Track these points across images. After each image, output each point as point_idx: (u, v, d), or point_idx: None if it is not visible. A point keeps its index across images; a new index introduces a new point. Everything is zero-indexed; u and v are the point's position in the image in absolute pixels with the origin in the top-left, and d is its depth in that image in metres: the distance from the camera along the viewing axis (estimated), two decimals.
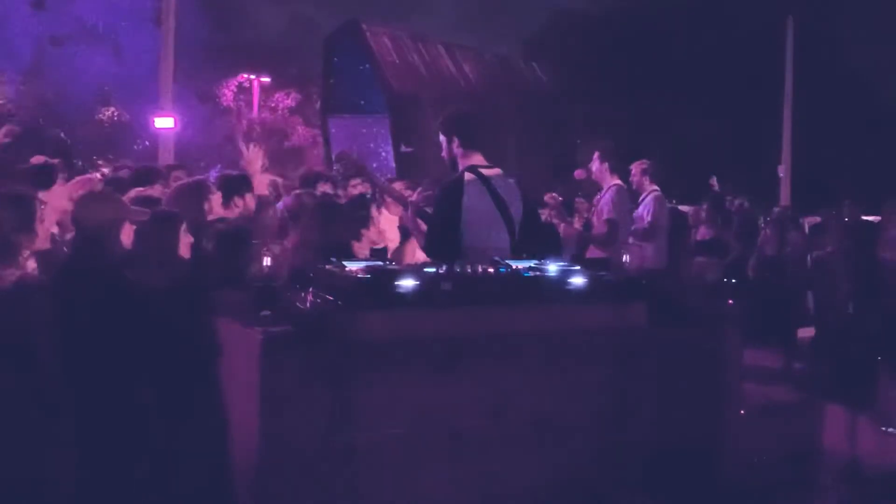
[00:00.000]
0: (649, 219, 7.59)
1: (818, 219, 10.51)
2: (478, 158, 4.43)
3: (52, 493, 3.18)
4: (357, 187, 6.73)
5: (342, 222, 4.74)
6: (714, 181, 11.30)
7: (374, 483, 3.29)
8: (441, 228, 4.35)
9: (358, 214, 5.26)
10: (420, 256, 5.42)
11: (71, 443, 3.24)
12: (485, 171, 4.38)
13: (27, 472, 3.10)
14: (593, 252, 6.98)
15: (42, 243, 3.42)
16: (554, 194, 8.25)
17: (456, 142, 4.45)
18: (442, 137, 4.51)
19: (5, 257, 3.22)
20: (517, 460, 3.57)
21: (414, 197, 5.42)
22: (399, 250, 5.89)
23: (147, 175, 6.20)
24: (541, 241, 4.58)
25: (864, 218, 8.74)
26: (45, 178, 4.69)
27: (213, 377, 3.46)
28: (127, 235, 3.77)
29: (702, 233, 9.52)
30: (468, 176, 4.35)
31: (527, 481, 3.59)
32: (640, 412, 3.78)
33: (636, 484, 3.79)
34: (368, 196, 6.05)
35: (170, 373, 3.47)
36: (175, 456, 3.43)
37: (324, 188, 6.43)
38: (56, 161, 5.33)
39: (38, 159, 6.17)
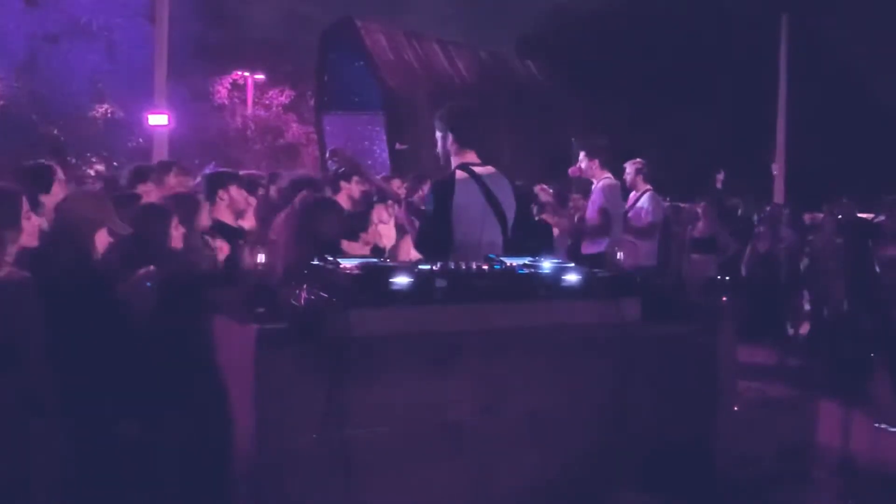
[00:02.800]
0: (649, 218, 7.65)
1: (814, 216, 10.56)
2: (471, 156, 4.45)
3: (38, 491, 3.17)
4: (357, 184, 6.73)
5: (338, 220, 4.74)
6: (720, 177, 11.33)
7: (368, 479, 3.29)
8: (432, 226, 4.39)
9: (356, 214, 5.28)
10: (416, 254, 5.43)
11: (58, 441, 3.22)
12: (477, 169, 4.41)
13: (14, 471, 3.09)
14: (588, 248, 7.02)
15: (29, 240, 3.40)
16: (544, 186, 8.26)
17: (450, 138, 4.47)
18: (438, 132, 4.53)
19: None
20: (512, 456, 3.58)
21: (401, 193, 5.46)
22: (395, 248, 5.91)
23: (142, 173, 6.19)
24: (533, 238, 4.60)
25: (860, 215, 8.77)
26: (43, 180, 4.63)
27: (213, 373, 3.46)
28: (102, 241, 3.75)
29: (699, 230, 9.56)
30: (460, 174, 4.38)
31: (521, 477, 3.60)
32: (635, 408, 3.78)
33: (631, 479, 3.79)
34: (373, 199, 6.08)
35: (161, 370, 3.47)
36: (172, 452, 3.43)
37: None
38: (52, 163, 5.29)
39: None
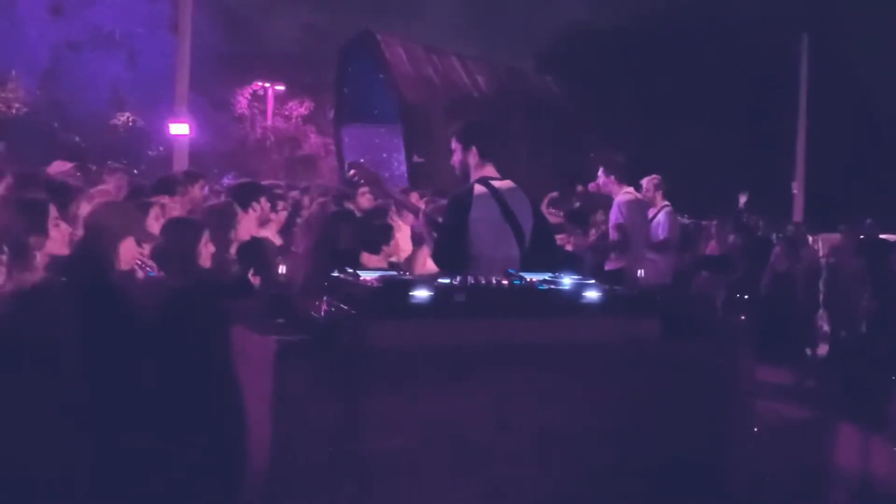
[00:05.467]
0: (665, 234, 7.64)
1: (834, 235, 10.50)
2: (490, 170, 4.48)
3: (72, 494, 3.19)
4: (364, 196, 6.78)
5: (359, 232, 4.77)
6: (743, 198, 11.34)
7: (383, 493, 3.28)
8: (448, 239, 4.42)
9: (378, 226, 5.30)
10: (431, 265, 5.46)
11: (92, 444, 3.25)
12: (496, 183, 4.43)
13: (51, 472, 3.12)
14: (610, 264, 7.01)
15: (58, 247, 3.43)
16: (552, 210, 8.24)
17: (472, 151, 4.50)
18: (455, 145, 4.55)
19: (20, 260, 3.25)
20: (526, 473, 3.56)
21: (421, 206, 5.49)
22: (410, 259, 5.92)
23: (166, 184, 6.21)
24: (552, 254, 4.62)
25: (882, 236, 8.71)
26: (61, 196, 4.65)
27: (232, 384, 3.47)
28: (128, 251, 3.78)
29: (710, 248, 9.53)
30: (478, 187, 4.40)
31: (536, 494, 3.58)
32: (651, 427, 3.75)
33: (646, 499, 3.76)
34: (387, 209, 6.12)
35: (182, 380, 3.48)
36: (189, 463, 3.43)
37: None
38: (72, 183, 5.31)
39: (59, 165, 6.20)
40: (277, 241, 5.60)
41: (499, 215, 4.36)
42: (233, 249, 4.50)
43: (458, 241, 4.33)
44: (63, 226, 3.49)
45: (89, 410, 3.23)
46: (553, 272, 3.82)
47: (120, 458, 3.37)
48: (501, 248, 4.34)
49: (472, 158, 4.49)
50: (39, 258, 3.32)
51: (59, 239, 3.42)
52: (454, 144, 4.56)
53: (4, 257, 3.20)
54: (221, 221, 4.48)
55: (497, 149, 4.56)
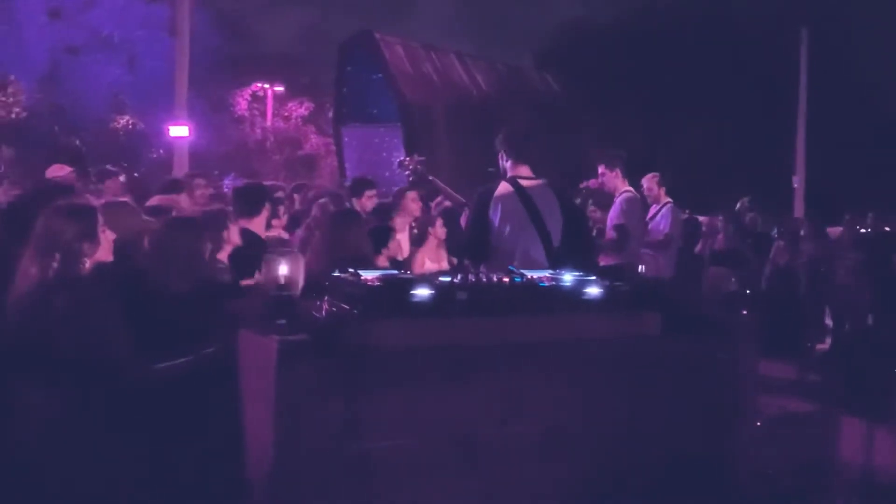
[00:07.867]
0: (666, 230, 7.65)
1: (837, 229, 10.50)
2: (524, 170, 4.81)
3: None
4: (371, 199, 6.79)
5: (363, 233, 4.80)
6: (745, 200, 11.38)
7: (387, 492, 3.29)
8: (471, 234, 4.81)
9: (377, 227, 5.32)
10: (429, 265, 5.53)
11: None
12: (524, 183, 4.70)
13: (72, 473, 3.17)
14: (605, 260, 7.01)
15: (104, 253, 3.45)
16: None
17: (506, 155, 4.87)
18: (498, 151, 4.96)
19: (69, 264, 3.29)
20: (530, 469, 3.56)
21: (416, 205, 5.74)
22: (409, 258, 5.93)
23: (172, 186, 6.24)
24: (583, 252, 4.87)
25: (886, 229, 8.70)
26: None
27: (229, 383, 3.48)
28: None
29: (719, 243, 9.52)
30: (502, 186, 4.71)
31: (539, 490, 3.58)
32: (654, 422, 3.76)
33: (650, 495, 3.77)
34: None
35: (186, 378, 3.49)
36: (189, 462, 3.44)
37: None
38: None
39: (58, 169, 6.21)
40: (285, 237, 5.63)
41: (522, 213, 4.62)
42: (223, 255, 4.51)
43: (477, 234, 4.67)
44: (109, 232, 3.49)
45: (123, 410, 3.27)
46: (582, 269, 3.87)
47: (128, 460, 3.38)
48: (522, 244, 4.59)
49: (508, 161, 4.85)
50: (88, 265, 3.35)
51: (106, 246, 3.44)
52: (498, 151, 4.95)
53: (56, 264, 3.23)
54: (215, 226, 4.48)
55: (529, 151, 4.88)
